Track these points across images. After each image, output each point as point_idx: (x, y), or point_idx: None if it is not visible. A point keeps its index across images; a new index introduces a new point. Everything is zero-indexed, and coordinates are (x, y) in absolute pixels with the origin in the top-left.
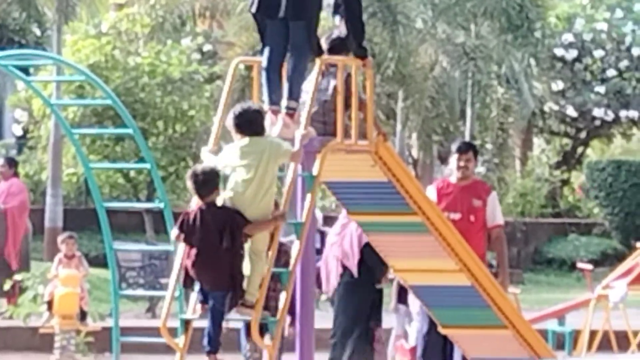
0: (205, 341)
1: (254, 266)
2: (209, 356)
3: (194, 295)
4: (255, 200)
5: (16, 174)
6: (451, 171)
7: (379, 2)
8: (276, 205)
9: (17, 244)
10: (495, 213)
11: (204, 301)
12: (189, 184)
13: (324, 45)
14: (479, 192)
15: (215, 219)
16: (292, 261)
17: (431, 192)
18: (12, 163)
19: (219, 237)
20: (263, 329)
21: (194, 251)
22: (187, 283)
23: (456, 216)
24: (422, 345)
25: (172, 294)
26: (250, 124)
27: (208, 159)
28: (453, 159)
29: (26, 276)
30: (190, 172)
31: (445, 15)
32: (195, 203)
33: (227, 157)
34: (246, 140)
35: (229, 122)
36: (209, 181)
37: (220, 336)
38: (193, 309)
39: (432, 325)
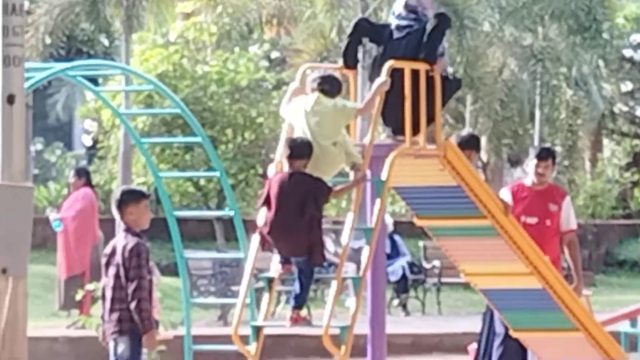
0: (291, 298)
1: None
2: (293, 311)
3: (275, 258)
4: (325, 150)
5: (88, 184)
6: (527, 175)
7: (446, 6)
8: (354, 167)
9: (81, 253)
10: (570, 217)
11: (285, 261)
12: (284, 149)
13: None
14: (554, 197)
15: (300, 186)
16: (362, 266)
17: (506, 195)
18: (81, 173)
19: (301, 205)
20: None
21: (271, 215)
22: (265, 247)
23: (533, 220)
24: (500, 350)
25: (244, 301)
26: (329, 83)
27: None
28: (531, 164)
29: (98, 286)
30: (288, 138)
31: (513, 18)
32: (272, 170)
33: (298, 108)
34: (315, 95)
35: (310, 79)
36: (304, 147)
37: (307, 294)
38: (275, 270)
39: (507, 329)
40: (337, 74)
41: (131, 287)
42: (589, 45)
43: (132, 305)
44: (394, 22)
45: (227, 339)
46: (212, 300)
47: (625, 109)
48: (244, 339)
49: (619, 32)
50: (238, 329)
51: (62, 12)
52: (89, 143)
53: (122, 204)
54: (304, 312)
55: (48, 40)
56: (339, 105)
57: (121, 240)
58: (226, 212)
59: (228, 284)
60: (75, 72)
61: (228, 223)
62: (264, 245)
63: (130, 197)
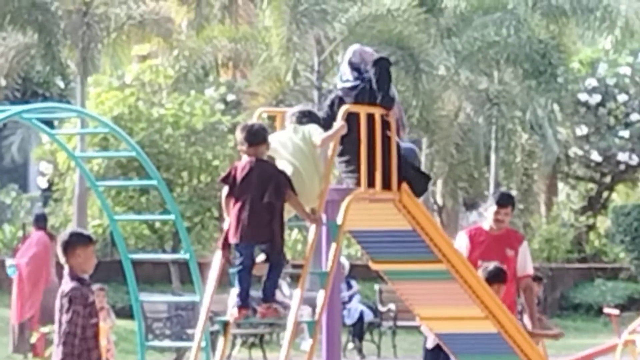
0: (260, 291)
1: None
2: (262, 305)
3: (231, 302)
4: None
5: (42, 228)
6: (484, 218)
7: (402, 50)
8: (313, 212)
9: (34, 297)
10: (526, 263)
11: (241, 306)
12: (239, 135)
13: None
14: (511, 242)
15: (261, 173)
16: (317, 310)
17: (463, 238)
18: (39, 219)
19: (262, 192)
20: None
21: (238, 205)
22: (225, 249)
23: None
24: None
25: (199, 344)
26: (308, 117)
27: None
28: (491, 210)
29: (52, 328)
30: (241, 124)
31: (468, 61)
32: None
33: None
34: (293, 126)
35: (289, 114)
36: (259, 132)
37: (275, 287)
38: (231, 314)
39: None
40: (314, 110)
41: (61, 330)
42: (544, 89)
43: (59, 349)
44: (340, 85)
45: None
46: (167, 343)
47: (580, 152)
48: None
49: (574, 77)
50: None
51: (17, 55)
52: (45, 185)
53: (69, 246)
54: (274, 305)
55: (3, 83)
56: (306, 135)
57: (64, 284)
58: (182, 255)
59: (183, 327)
60: (30, 114)
61: (184, 266)
62: (226, 257)
63: (79, 240)
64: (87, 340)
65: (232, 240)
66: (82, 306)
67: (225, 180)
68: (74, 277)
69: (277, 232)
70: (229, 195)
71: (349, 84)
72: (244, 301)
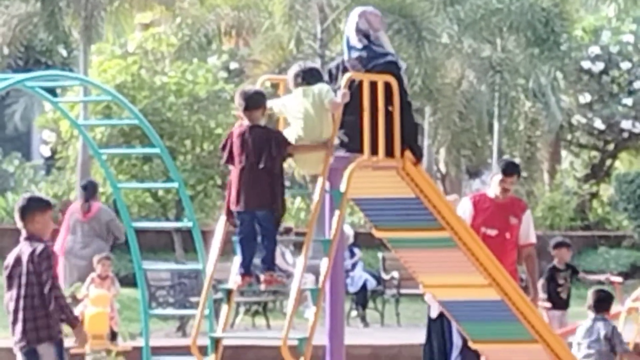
0: (260, 263)
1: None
2: (265, 274)
3: (234, 269)
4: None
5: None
6: (486, 186)
7: (404, 18)
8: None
9: None
10: (529, 231)
11: (244, 274)
12: (237, 99)
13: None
14: (515, 210)
15: (256, 138)
16: (321, 278)
17: (467, 204)
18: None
19: (257, 158)
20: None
21: (235, 172)
22: (229, 216)
23: (493, 232)
24: None
25: (202, 312)
26: (312, 75)
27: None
28: (496, 179)
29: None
30: (239, 90)
31: (471, 29)
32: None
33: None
34: (301, 90)
35: (291, 75)
36: (255, 97)
37: (274, 255)
38: (234, 281)
39: (465, 340)
40: (316, 65)
41: (46, 288)
42: (547, 57)
43: (52, 306)
44: (346, 52)
45: (185, 350)
46: (170, 311)
47: (583, 120)
48: (203, 350)
49: (577, 44)
50: (197, 340)
51: (20, 23)
52: (47, 153)
53: (28, 211)
54: (277, 273)
55: (6, 51)
56: (316, 99)
57: (26, 248)
58: (185, 223)
59: (187, 295)
60: (33, 83)
61: (187, 234)
62: (232, 223)
63: (38, 205)
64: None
65: (233, 207)
66: (55, 264)
67: (223, 148)
68: (37, 239)
69: (277, 196)
70: (227, 162)
71: (356, 53)
72: (247, 269)
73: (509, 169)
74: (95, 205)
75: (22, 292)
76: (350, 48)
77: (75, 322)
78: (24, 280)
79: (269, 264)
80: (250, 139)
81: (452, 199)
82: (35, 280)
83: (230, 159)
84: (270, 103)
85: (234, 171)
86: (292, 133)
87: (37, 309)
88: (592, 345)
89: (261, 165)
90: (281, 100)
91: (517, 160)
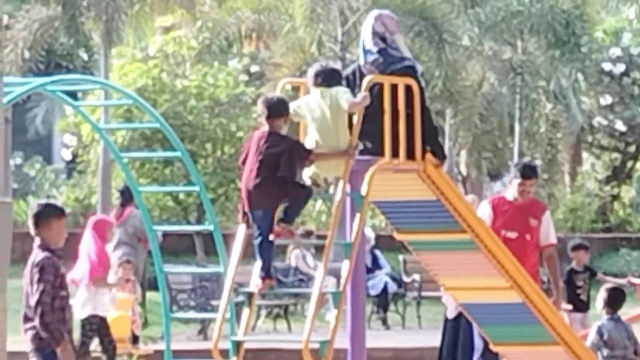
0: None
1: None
2: (278, 224)
3: (256, 272)
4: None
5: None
6: (507, 188)
7: (425, 20)
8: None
9: None
10: (549, 232)
11: (265, 276)
12: (260, 107)
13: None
14: (534, 211)
15: (273, 145)
16: (342, 281)
17: (486, 208)
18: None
19: (276, 164)
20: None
21: (251, 174)
22: (245, 217)
23: (513, 235)
24: None
25: (224, 315)
26: (329, 76)
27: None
28: (515, 183)
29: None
30: (263, 97)
31: (492, 31)
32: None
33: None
34: (318, 92)
35: (310, 74)
36: (277, 106)
37: (297, 211)
38: (255, 284)
39: (486, 343)
40: (338, 67)
41: (32, 300)
42: (568, 59)
43: (36, 321)
44: (362, 55)
45: (207, 354)
46: (192, 314)
47: (604, 122)
48: (224, 354)
49: (598, 46)
50: (218, 343)
51: (41, 27)
52: (69, 157)
53: (42, 217)
54: (291, 227)
55: (27, 55)
56: (333, 101)
57: (32, 257)
58: (206, 227)
59: (208, 299)
60: (54, 87)
61: (208, 237)
62: (247, 223)
63: (53, 212)
64: (55, 312)
65: (247, 208)
66: (54, 276)
67: (244, 154)
68: (45, 248)
69: (291, 190)
70: (243, 163)
71: (372, 57)
72: (267, 272)
73: (527, 172)
74: (128, 210)
75: (24, 301)
76: (366, 52)
77: (59, 340)
78: (26, 288)
79: (289, 218)
80: (267, 144)
81: (470, 200)
82: (30, 290)
83: (244, 162)
84: (290, 107)
85: (246, 173)
86: (310, 140)
87: (28, 320)
88: (614, 346)
89: (279, 174)
90: (298, 102)
91: (538, 162)
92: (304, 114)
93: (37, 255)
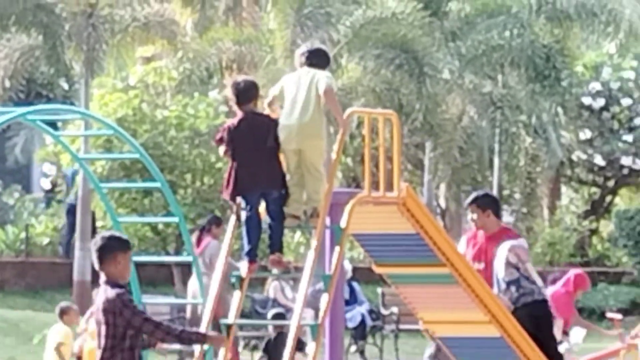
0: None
1: (306, 180)
2: (271, 255)
3: (236, 296)
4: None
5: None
6: None
7: (406, 53)
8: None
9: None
10: (501, 266)
11: (251, 260)
12: (230, 91)
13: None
14: (503, 240)
15: (255, 123)
16: (321, 313)
17: (462, 242)
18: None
19: (262, 139)
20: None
21: (238, 157)
22: (234, 198)
23: (480, 266)
24: None
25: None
26: (317, 57)
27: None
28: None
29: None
30: (232, 81)
31: (472, 65)
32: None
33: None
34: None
35: (298, 53)
36: (249, 89)
37: (281, 238)
38: (244, 270)
39: None
40: (324, 47)
41: (147, 331)
42: (548, 93)
43: (168, 340)
44: None
45: None
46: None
47: (583, 156)
48: None
49: (578, 80)
50: None
51: (22, 56)
52: (48, 186)
53: (109, 252)
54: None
55: (7, 84)
56: (314, 82)
57: (101, 295)
58: (184, 258)
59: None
60: (34, 116)
61: (186, 268)
62: (237, 206)
63: (121, 245)
64: (124, 351)
65: (241, 191)
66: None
67: (220, 140)
68: (114, 284)
69: (284, 177)
70: (225, 153)
71: None
72: (253, 256)
73: (469, 200)
74: (205, 240)
75: (102, 342)
76: None
77: (202, 338)
78: (100, 330)
79: (278, 245)
80: (247, 124)
81: None
82: (111, 332)
83: (227, 149)
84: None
85: (233, 159)
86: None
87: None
88: None
89: (269, 144)
90: (280, 83)
91: (517, 195)
92: (281, 90)
93: (107, 291)
